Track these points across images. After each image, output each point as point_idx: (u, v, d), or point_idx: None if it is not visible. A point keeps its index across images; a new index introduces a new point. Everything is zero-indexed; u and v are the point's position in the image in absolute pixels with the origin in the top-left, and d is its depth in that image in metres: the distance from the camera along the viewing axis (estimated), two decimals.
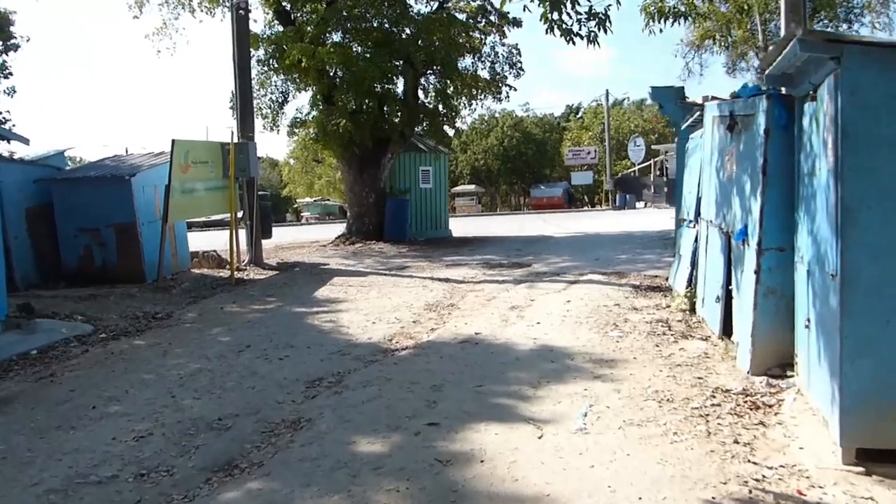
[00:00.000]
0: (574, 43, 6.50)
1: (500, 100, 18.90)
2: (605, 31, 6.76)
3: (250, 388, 5.86)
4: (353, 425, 4.85)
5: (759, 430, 4.57)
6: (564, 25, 6.45)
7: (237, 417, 5.14)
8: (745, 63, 19.04)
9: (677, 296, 8.37)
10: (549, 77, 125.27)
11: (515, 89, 19.08)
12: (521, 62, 18.72)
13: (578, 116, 67.61)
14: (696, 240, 7.99)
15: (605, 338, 7.01)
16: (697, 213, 7.99)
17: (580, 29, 6.50)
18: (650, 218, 26.23)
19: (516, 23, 17.93)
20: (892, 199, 3.88)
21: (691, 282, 8.02)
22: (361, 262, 14.39)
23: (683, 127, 9.27)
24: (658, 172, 48.54)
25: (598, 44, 6.81)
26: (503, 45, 18.50)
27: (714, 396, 5.20)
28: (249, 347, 7.25)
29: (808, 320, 4.73)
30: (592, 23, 6.64)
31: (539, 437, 4.52)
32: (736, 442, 4.35)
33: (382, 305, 9.33)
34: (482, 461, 4.14)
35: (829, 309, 4.18)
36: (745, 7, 16.41)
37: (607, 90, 48.18)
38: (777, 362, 5.62)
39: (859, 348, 3.91)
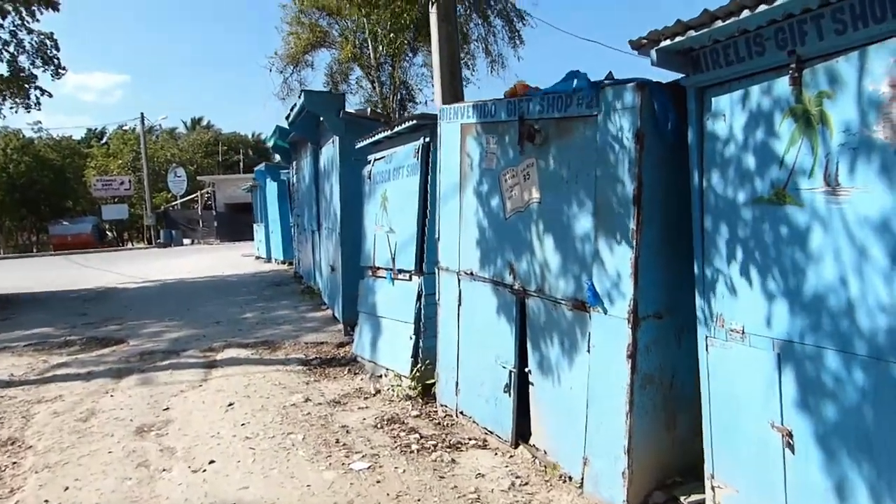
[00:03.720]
0: None
1: (27, 106, 13.71)
2: None
3: None
4: None
5: None
6: None
7: None
8: (346, 85, 17.81)
9: (393, 376, 6.01)
10: (56, 100, 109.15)
11: (51, 95, 14.10)
12: (58, 57, 13.91)
13: (103, 142, 59.73)
14: (419, 297, 5.78)
15: (352, 475, 4.24)
16: (421, 261, 5.80)
17: None
18: (220, 256, 23.24)
19: (52, 4, 13.18)
20: None
21: (418, 357, 5.77)
22: None
23: (360, 145, 7.01)
24: (206, 205, 45.38)
25: None
26: (31, 31, 13.46)
27: None
28: None
29: (790, 434, 2.94)
30: None
31: None
32: None
33: None
34: None
35: None
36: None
37: (142, 114, 42.92)
38: (657, 483, 3.79)
39: None
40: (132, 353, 7.69)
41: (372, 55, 15.78)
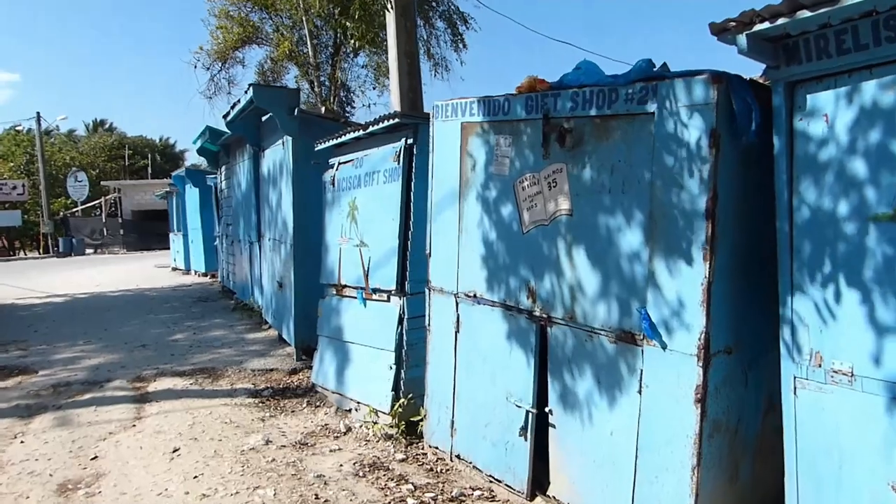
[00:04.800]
0: None
1: None
2: None
3: None
4: None
5: None
6: None
7: None
8: (279, 81, 16.51)
9: (368, 411, 5.24)
10: None
11: None
12: None
13: None
14: (401, 321, 5.06)
15: None
16: (403, 279, 5.08)
17: None
18: (131, 267, 21.52)
19: None
20: None
21: (399, 390, 5.03)
22: None
23: (321, 147, 6.22)
24: (110, 212, 42.59)
25: None
26: None
27: None
28: None
29: None
30: None
31: None
32: None
33: None
34: None
35: None
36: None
37: (38, 113, 39.97)
38: None
39: None
40: (43, 385, 6.54)
41: (311, 53, 14.76)
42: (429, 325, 4.70)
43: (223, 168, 12.24)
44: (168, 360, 7.42)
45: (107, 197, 43.23)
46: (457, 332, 4.45)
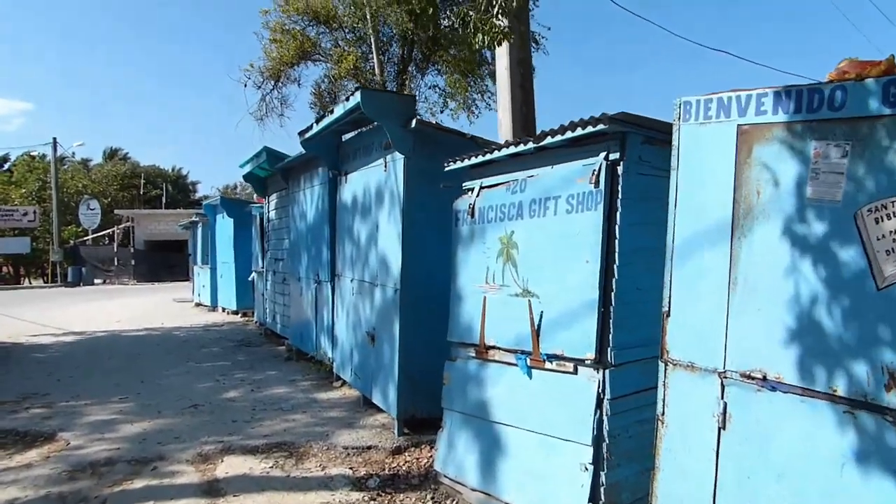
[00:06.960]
0: None
1: None
2: None
3: None
4: None
5: None
6: None
7: None
8: (338, 101, 15.30)
9: None
10: None
11: None
12: None
13: (5, 169, 54.60)
14: (599, 403, 3.63)
15: None
16: (602, 344, 3.66)
17: None
18: (148, 300, 20.11)
19: None
20: None
21: (598, 499, 3.57)
22: None
23: (452, 167, 4.87)
24: (122, 242, 41.36)
25: None
26: None
27: None
28: None
29: None
30: None
31: None
32: None
33: None
34: None
35: None
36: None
37: (55, 139, 39.04)
38: None
39: None
40: (77, 463, 5.07)
41: (377, 70, 13.43)
42: (662, 413, 3.27)
43: (274, 196, 10.91)
44: (230, 428, 5.94)
45: (119, 226, 42.03)
46: (721, 428, 3.02)
